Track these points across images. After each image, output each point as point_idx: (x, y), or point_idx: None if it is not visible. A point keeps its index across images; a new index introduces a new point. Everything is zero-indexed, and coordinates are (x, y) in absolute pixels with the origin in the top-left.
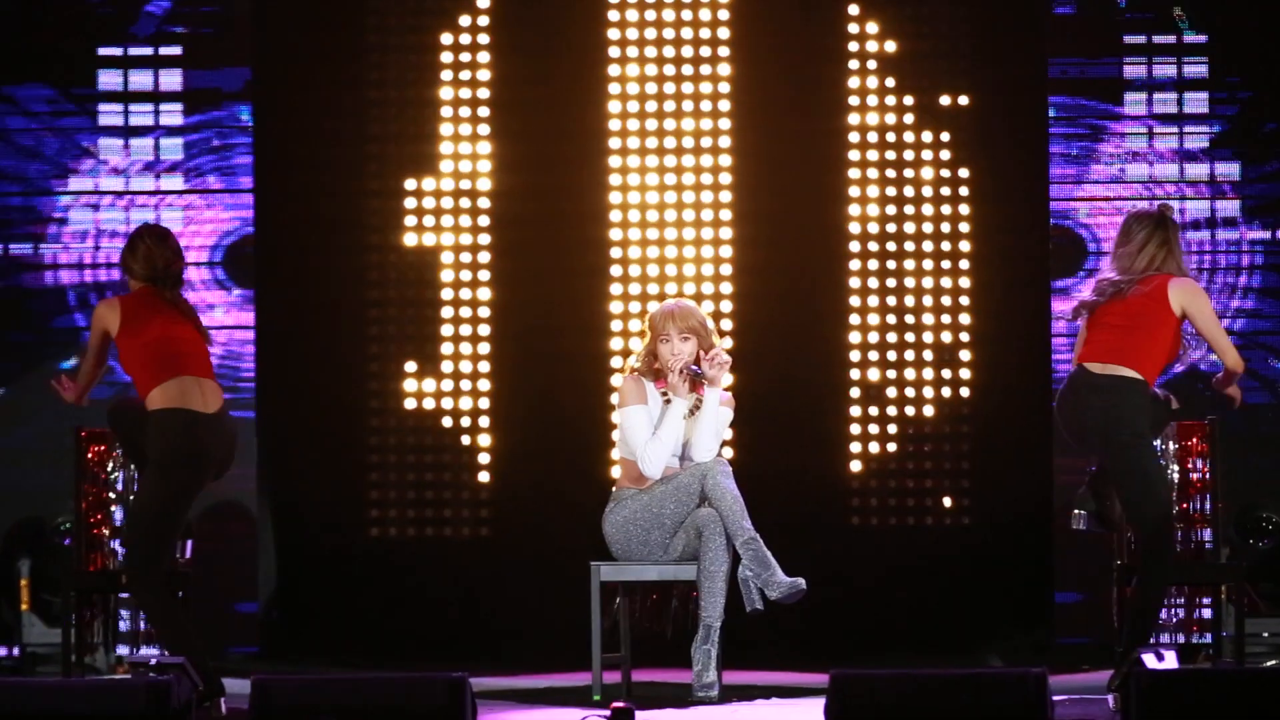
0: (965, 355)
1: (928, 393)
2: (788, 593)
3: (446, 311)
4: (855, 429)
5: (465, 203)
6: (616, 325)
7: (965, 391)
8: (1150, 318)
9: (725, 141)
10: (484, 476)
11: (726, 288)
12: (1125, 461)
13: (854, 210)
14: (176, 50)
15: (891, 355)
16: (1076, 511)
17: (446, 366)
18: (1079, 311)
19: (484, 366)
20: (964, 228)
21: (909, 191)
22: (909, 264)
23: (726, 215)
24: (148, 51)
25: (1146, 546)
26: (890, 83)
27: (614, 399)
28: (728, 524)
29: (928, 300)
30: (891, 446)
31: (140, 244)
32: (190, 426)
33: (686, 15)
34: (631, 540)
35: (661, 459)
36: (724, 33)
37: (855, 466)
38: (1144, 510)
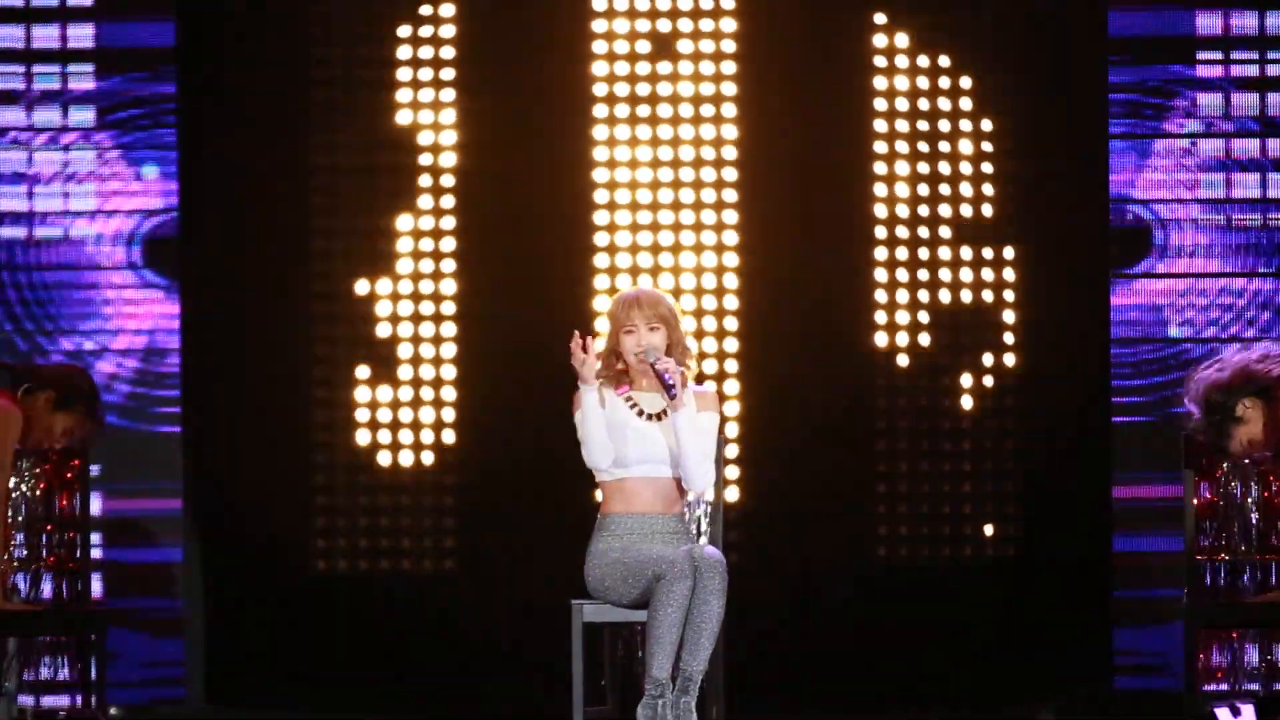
0: (1010, 360)
1: (966, 403)
2: None
3: (405, 308)
4: (882, 446)
5: (425, 180)
6: (602, 325)
7: (1010, 402)
8: None
9: (730, 110)
10: (449, 500)
11: (731, 281)
12: None
13: (880, 190)
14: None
15: (923, 361)
16: None
17: (405, 372)
18: None
19: (448, 372)
20: (1008, 210)
21: (944, 168)
22: (944, 254)
23: (731, 196)
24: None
25: None
26: (922, 38)
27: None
28: (683, 652)
29: (966, 296)
30: (924, 466)
31: None
32: None
33: None
34: (612, 591)
35: (596, 452)
36: None
37: (882, 489)
38: None
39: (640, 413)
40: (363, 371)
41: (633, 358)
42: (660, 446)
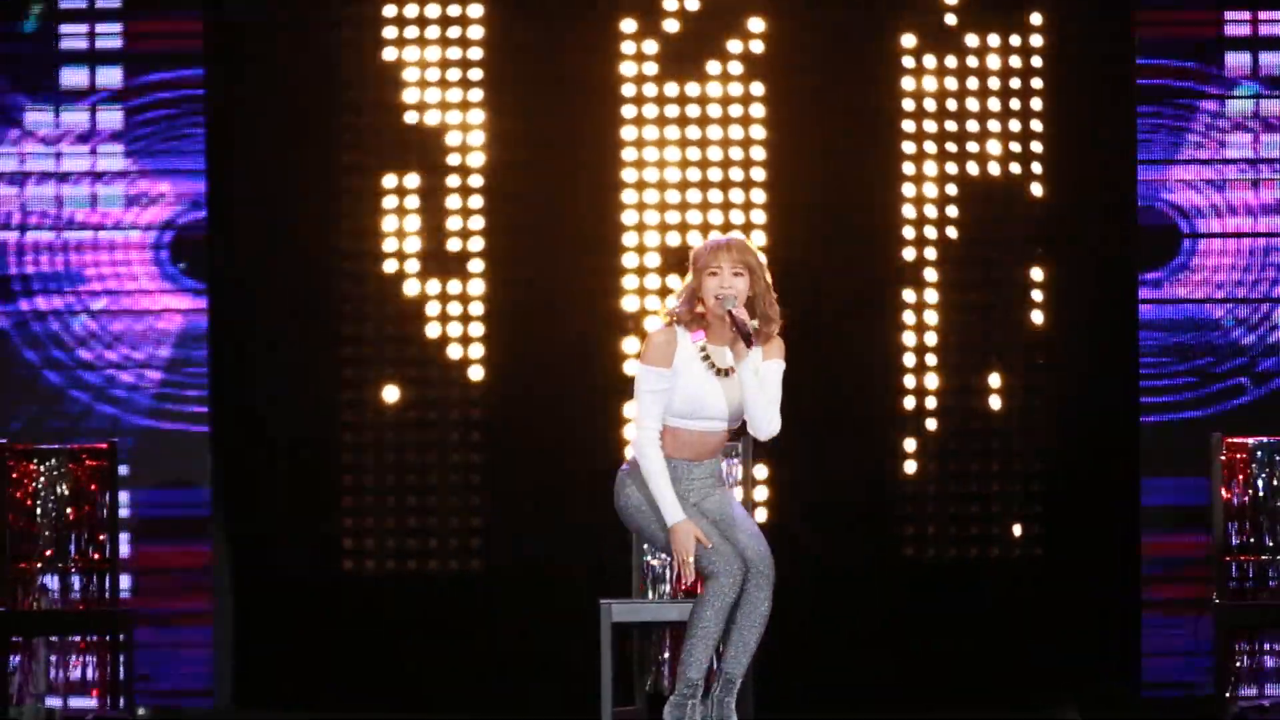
0: (1037, 360)
1: (994, 403)
2: None
3: (432, 307)
4: (909, 445)
5: (454, 180)
6: (630, 323)
7: (1037, 401)
8: None
9: (758, 110)
10: (476, 500)
11: None
12: None
13: (908, 190)
14: (115, 2)
15: (951, 359)
16: None
17: (432, 371)
18: None
19: (475, 372)
20: (1036, 212)
21: (972, 168)
22: (972, 254)
23: (759, 196)
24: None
25: None
26: (951, 41)
27: (629, 409)
28: (727, 653)
29: (994, 296)
30: (951, 465)
31: None
32: None
33: None
34: (649, 524)
35: (646, 467)
36: None
37: (908, 490)
38: None
39: (711, 366)
40: (390, 371)
41: (712, 300)
42: (722, 404)
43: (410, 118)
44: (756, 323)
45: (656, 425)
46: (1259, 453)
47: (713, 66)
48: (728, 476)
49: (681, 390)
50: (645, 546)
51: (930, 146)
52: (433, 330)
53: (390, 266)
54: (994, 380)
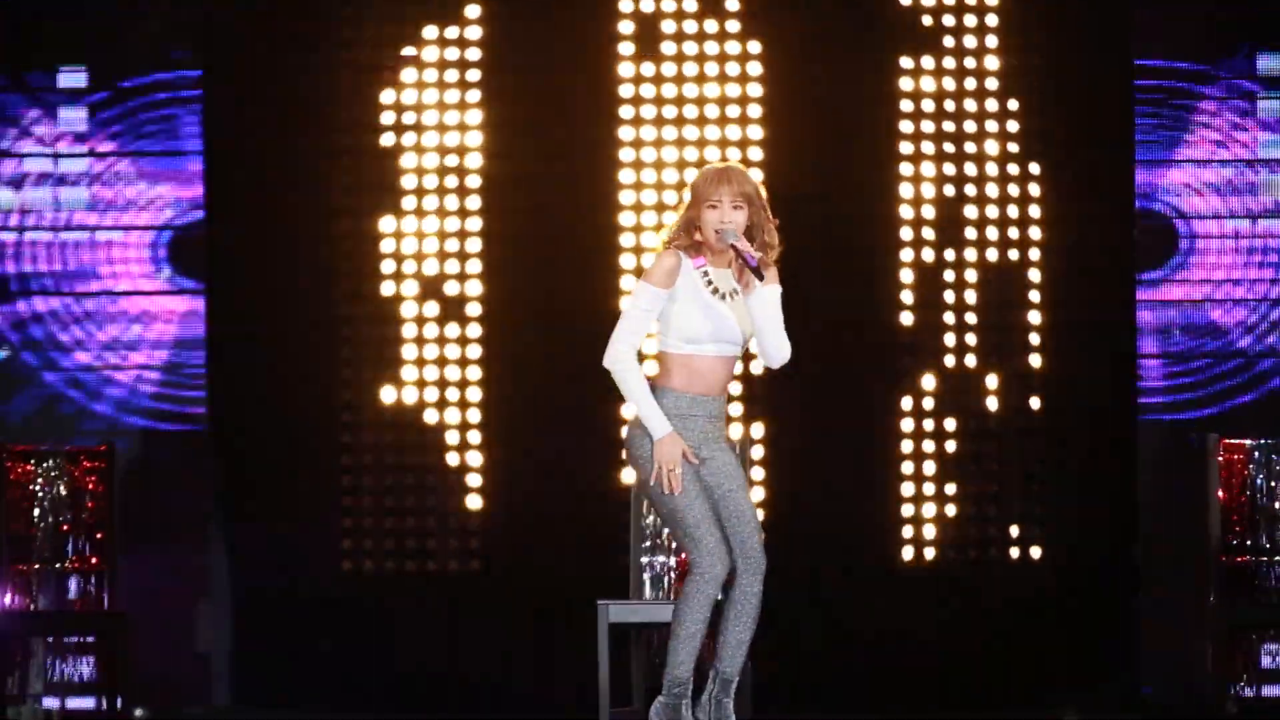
0: (1035, 361)
1: (991, 405)
2: None
3: (430, 309)
4: (906, 447)
5: (451, 181)
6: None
7: (1035, 403)
8: None
9: (755, 111)
10: (474, 501)
11: None
12: None
13: (906, 191)
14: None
15: (949, 361)
16: None
17: (431, 373)
18: None
19: (474, 373)
20: (1034, 212)
21: (970, 170)
22: (970, 255)
23: None
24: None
25: None
26: (948, 42)
27: (625, 411)
28: (724, 652)
29: (992, 296)
30: (948, 468)
31: None
32: None
33: None
34: (650, 484)
35: (624, 375)
36: None
37: (906, 491)
38: None
39: (715, 291)
40: (390, 371)
41: (712, 234)
42: (733, 327)
43: (409, 119)
44: (760, 254)
45: (638, 343)
46: (1257, 453)
47: (710, 67)
48: None
49: (695, 314)
50: (644, 545)
51: (929, 147)
52: (430, 330)
53: (389, 267)
54: (991, 381)
